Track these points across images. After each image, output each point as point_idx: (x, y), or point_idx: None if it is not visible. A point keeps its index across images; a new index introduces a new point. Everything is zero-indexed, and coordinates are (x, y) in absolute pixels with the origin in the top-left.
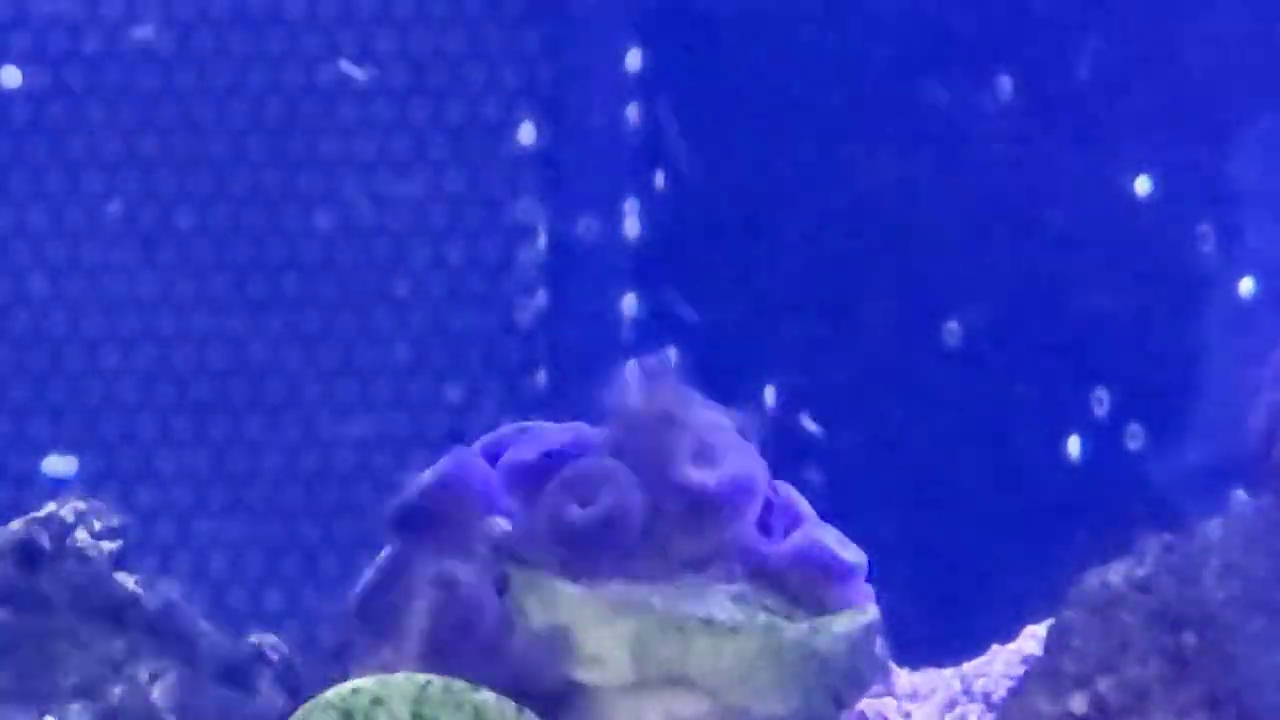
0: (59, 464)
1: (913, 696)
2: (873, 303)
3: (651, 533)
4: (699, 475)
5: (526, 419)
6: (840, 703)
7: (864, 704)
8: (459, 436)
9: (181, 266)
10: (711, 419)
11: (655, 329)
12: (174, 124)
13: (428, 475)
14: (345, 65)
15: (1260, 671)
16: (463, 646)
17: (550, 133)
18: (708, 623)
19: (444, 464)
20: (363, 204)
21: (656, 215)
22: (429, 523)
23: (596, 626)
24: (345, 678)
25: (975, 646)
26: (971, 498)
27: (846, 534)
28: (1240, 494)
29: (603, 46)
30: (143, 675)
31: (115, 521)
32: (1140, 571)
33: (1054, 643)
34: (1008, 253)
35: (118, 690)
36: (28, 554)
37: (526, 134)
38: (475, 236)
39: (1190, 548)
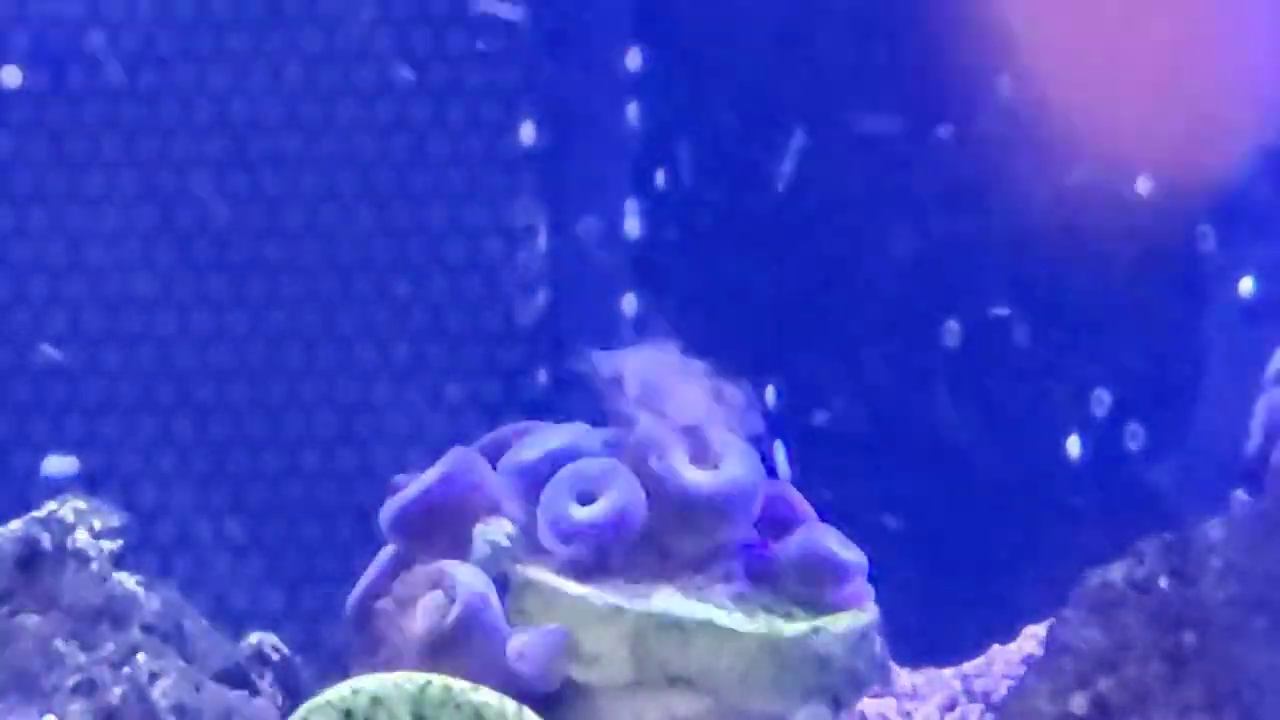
0: (59, 464)
1: (913, 696)
2: (873, 302)
3: (652, 533)
4: (699, 476)
5: (526, 419)
6: (840, 703)
7: (864, 704)
8: (459, 436)
9: (181, 266)
10: (711, 419)
11: (655, 329)
12: (174, 124)
13: (428, 475)
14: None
15: (1260, 671)
16: (463, 646)
17: (550, 133)
18: (708, 623)
19: (444, 464)
20: (362, 204)
21: (656, 215)
22: (429, 523)
23: (596, 626)
24: (345, 678)
25: (975, 646)
26: (971, 498)
27: (846, 534)
28: (1240, 494)
29: (603, 47)
30: (143, 675)
31: (115, 521)
32: (1140, 571)
33: (1054, 643)
34: (1008, 253)
35: (118, 690)
36: (28, 554)
37: (526, 134)
38: (475, 236)
39: (1190, 548)
